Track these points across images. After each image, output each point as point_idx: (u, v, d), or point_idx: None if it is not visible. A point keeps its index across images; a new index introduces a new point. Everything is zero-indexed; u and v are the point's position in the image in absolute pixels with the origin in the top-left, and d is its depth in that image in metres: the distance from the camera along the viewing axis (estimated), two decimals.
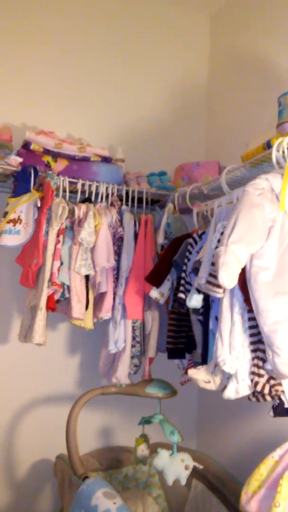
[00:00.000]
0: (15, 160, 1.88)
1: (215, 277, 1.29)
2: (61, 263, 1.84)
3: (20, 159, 1.89)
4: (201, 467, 1.70)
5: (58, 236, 1.83)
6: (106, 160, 2.05)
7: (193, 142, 2.55)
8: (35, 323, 1.75)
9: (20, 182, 1.90)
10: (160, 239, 1.96)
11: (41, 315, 1.76)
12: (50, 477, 2.10)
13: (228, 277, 1.26)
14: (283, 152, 1.39)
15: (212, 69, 2.60)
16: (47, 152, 1.95)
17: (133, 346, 1.92)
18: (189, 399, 2.40)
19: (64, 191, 1.92)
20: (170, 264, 1.77)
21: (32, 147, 1.91)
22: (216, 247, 1.36)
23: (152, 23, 2.51)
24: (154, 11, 2.51)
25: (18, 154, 1.92)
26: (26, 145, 1.92)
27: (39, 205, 1.83)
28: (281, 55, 2.00)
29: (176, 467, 1.66)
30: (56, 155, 1.97)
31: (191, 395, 2.38)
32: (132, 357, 1.92)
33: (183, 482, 1.67)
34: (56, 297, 1.82)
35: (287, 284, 1.26)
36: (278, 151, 1.39)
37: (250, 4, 2.26)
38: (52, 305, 1.80)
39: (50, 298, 1.80)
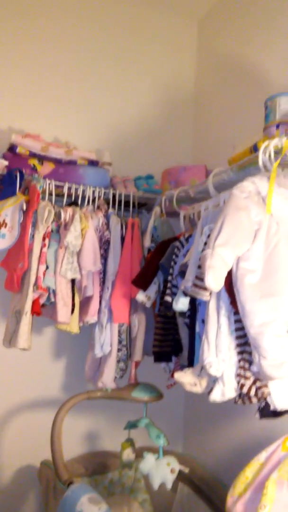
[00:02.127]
0: (0, 163, 1.87)
1: (202, 280, 1.29)
2: (47, 267, 1.82)
3: (5, 162, 1.89)
4: (187, 470, 1.69)
5: (44, 239, 1.83)
6: (93, 163, 2.04)
7: (181, 146, 2.56)
8: (20, 328, 1.74)
9: (5, 186, 1.89)
10: (147, 243, 1.96)
11: (26, 319, 1.75)
12: (34, 483, 2.07)
13: (214, 280, 1.26)
14: (270, 155, 1.40)
15: (199, 73, 2.62)
16: (33, 155, 1.95)
17: (119, 350, 1.91)
18: (176, 402, 2.39)
19: (50, 194, 1.91)
20: (156, 267, 1.77)
21: (18, 150, 1.91)
22: (203, 250, 1.36)
23: (139, 27, 2.52)
24: (142, 16, 2.52)
25: (4, 157, 1.91)
26: (12, 148, 1.92)
27: (24, 208, 1.82)
28: (267, 58, 2.02)
29: (162, 470, 1.65)
30: (42, 159, 1.96)
31: (177, 398, 2.38)
32: (118, 361, 1.91)
33: (169, 485, 1.66)
34: (42, 301, 1.81)
35: (273, 286, 1.27)
36: (264, 154, 1.40)
37: (237, 9, 2.29)
38: (37, 309, 1.79)
39: (35, 302, 1.79)
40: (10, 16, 2.21)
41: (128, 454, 1.87)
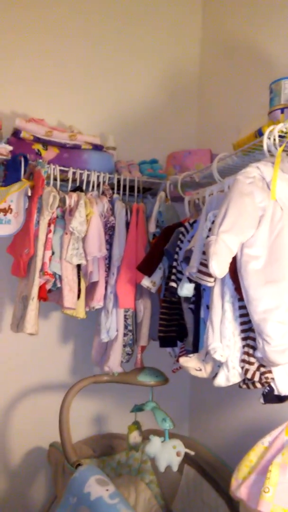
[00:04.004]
0: (5, 149, 1.86)
1: (206, 266, 1.29)
2: (53, 253, 1.83)
3: (10, 148, 1.87)
4: (192, 453, 1.72)
5: (49, 225, 1.82)
6: (97, 148, 2.03)
7: (185, 130, 2.53)
8: (27, 313, 1.75)
9: (10, 171, 1.89)
10: (152, 228, 1.96)
11: (33, 304, 1.76)
12: (44, 464, 2.12)
13: (218, 266, 1.26)
14: (274, 140, 1.38)
15: (204, 55, 2.57)
16: (37, 140, 1.93)
17: (125, 334, 1.92)
18: (181, 386, 2.42)
19: (55, 179, 1.91)
20: (161, 253, 1.77)
21: (22, 135, 1.90)
22: (207, 236, 1.36)
23: (143, 8, 2.46)
24: None
25: (8, 142, 1.90)
26: (16, 133, 1.90)
27: (29, 194, 1.82)
28: (273, 40, 1.98)
29: (168, 453, 1.68)
30: (46, 143, 1.95)
31: (183, 382, 2.40)
32: (124, 346, 1.92)
33: (175, 468, 1.69)
34: (48, 286, 1.82)
35: (277, 272, 1.27)
36: (269, 138, 1.38)
37: None
38: (43, 294, 1.80)
39: (41, 288, 1.80)
40: (10, 1, 2.18)
41: (134, 437, 1.90)
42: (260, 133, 1.44)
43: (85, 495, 1.45)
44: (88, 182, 1.97)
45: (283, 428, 1.29)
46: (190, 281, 1.53)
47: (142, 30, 2.47)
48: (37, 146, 1.93)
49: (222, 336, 1.36)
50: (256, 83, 2.03)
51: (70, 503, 1.53)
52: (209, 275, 1.34)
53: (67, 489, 1.57)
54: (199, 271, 1.41)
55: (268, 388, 1.35)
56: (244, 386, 1.37)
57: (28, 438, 2.17)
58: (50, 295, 1.87)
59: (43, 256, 1.80)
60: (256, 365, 1.33)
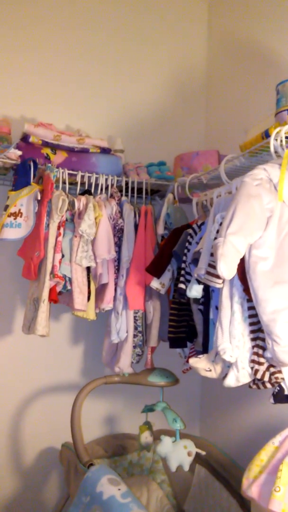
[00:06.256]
0: (14, 154, 1.88)
1: (214, 267, 1.30)
2: (62, 256, 1.85)
3: (19, 152, 1.89)
4: (203, 453, 1.73)
5: (58, 228, 1.85)
6: (105, 151, 2.05)
7: (193, 131, 2.54)
8: (38, 315, 1.77)
9: (20, 176, 1.91)
10: (160, 230, 1.98)
11: (44, 307, 1.78)
12: (56, 465, 2.14)
13: (227, 268, 1.27)
14: (281, 141, 1.39)
15: (211, 56, 2.58)
16: (46, 144, 1.95)
17: (135, 336, 1.94)
18: (192, 387, 2.43)
19: (64, 183, 1.93)
20: (170, 255, 1.78)
21: (31, 139, 1.92)
22: (215, 238, 1.37)
23: (149, 10, 2.48)
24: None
25: (17, 147, 1.92)
26: (25, 138, 1.92)
27: (39, 198, 1.84)
28: (279, 41, 1.98)
29: (179, 453, 1.69)
30: (55, 147, 1.97)
31: (194, 382, 2.41)
32: (134, 347, 1.94)
33: (186, 468, 1.70)
34: (58, 289, 1.84)
35: (286, 273, 1.27)
36: (276, 140, 1.39)
37: None
38: (54, 297, 1.82)
39: (52, 290, 1.82)
40: (19, 3, 2.20)
41: (146, 437, 1.91)
42: (266, 134, 1.45)
43: (98, 495, 1.48)
44: (96, 185, 1.99)
45: None
46: (199, 282, 1.54)
47: (148, 32, 2.48)
48: (46, 151, 1.95)
49: (232, 336, 1.37)
50: (263, 84, 2.03)
51: (83, 502, 1.55)
52: (218, 276, 1.36)
53: (79, 489, 1.59)
54: (208, 273, 1.42)
55: (278, 388, 1.36)
56: (254, 387, 1.38)
57: (40, 438, 2.20)
58: (61, 297, 1.89)
59: (53, 258, 1.82)
60: (265, 365, 1.34)
